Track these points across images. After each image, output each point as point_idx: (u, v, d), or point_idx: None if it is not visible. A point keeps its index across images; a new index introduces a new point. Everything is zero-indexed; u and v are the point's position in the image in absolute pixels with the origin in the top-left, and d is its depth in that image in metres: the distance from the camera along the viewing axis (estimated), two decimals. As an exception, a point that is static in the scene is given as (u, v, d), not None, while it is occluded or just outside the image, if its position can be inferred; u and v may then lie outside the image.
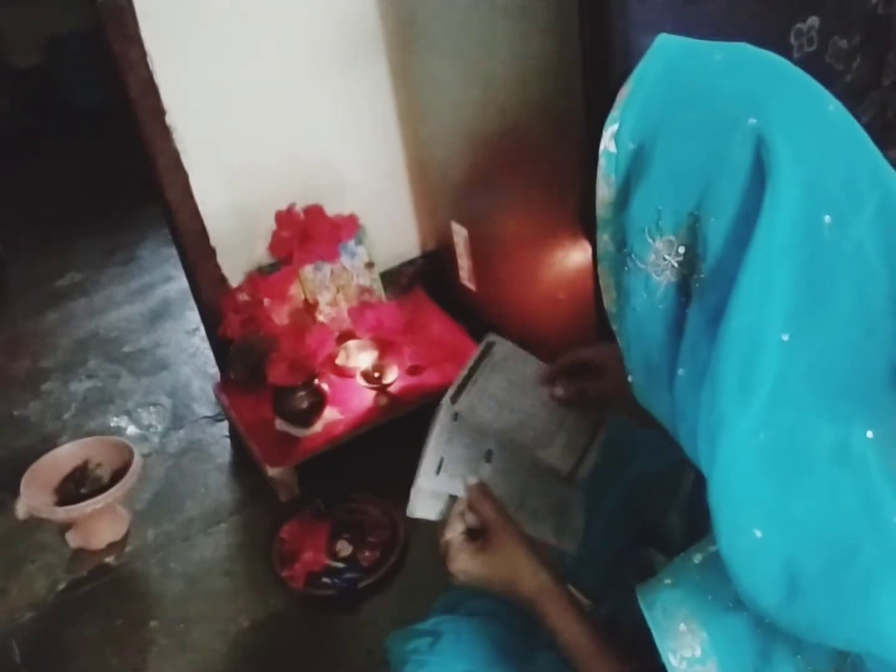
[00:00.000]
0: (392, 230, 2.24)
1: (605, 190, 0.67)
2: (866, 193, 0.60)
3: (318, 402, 1.87)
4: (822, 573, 0.59)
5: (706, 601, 0.68)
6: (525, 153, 1.66)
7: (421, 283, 2.27)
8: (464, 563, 0.91)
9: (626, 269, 0.66)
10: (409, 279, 2.27)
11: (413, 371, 1.99)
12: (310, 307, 2.08)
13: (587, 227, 0.72)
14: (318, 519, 1.78)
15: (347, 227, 2.07)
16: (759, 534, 0.60)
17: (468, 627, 1.07)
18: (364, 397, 1.94)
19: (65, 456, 1.89)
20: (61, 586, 1.77)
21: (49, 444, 2.06)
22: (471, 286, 2.11)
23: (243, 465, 2.00)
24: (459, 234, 2.05)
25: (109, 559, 1.82)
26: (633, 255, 0.65)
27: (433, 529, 1.81)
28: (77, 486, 1.83)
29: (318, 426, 1.88)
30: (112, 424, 2.24)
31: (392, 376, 1.94)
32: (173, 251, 2.17)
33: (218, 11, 1.82)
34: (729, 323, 0.59)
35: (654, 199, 0.63)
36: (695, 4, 1.36)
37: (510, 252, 1.87)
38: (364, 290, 2.16)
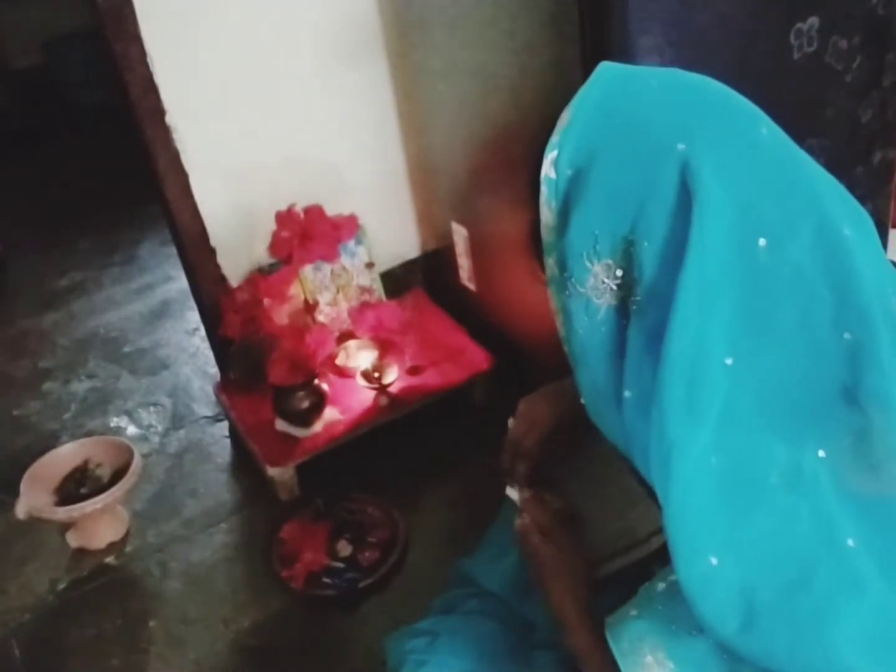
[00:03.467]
0: (392, 230, 2.24)
1: (547, 215, 0.70)
2: (802, 216, 0.61)
3: (318, 402, 1.87)
4: (777, 600, 0.58)
5: (671, 631, 0.68)
6: (525, 153, 1.66)
7: (421, 283, 2.27)
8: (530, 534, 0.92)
9: (567, 293, 0.67)
10: (409, 279, 2.27)
11: (413, 371, 1.99)
12: (310, 307, 2.08)
13: (537, 252, 0.76)
14: (318, 519, 1.78)
15: (347, 227, 2.07)
16: (714, 561, 0.59)
17: (466, 627, 1.08)
18: (364, 397, 1.94)
19: (65, 456, 1.89)
20: (61, 586, 1.77)
21: (49, 444, 2.06)
22: (471, 286, 2.11)
23: (243, 465, 2.00)
24: (459, 234, 2.05)
25: (109, 559, 1.82)
26: (573, 280, 0.66)
27: (433, 529, 1.82)
28: (77, 486, 1.83)
29: (318, 426, 1.88)
30: (112, 424, 2.23)
31: (392, 376, 1.94)
32: (173, 251, 2.17)
33: (218, 11, 1.82)
34: (670, 347, 0.59)
35: (590, 224, 0.64)
36: (695, 4, 1.36)
37: (510, 252, 1.87)
38: (364, 290, 2.16)
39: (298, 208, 2.02)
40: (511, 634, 1.09)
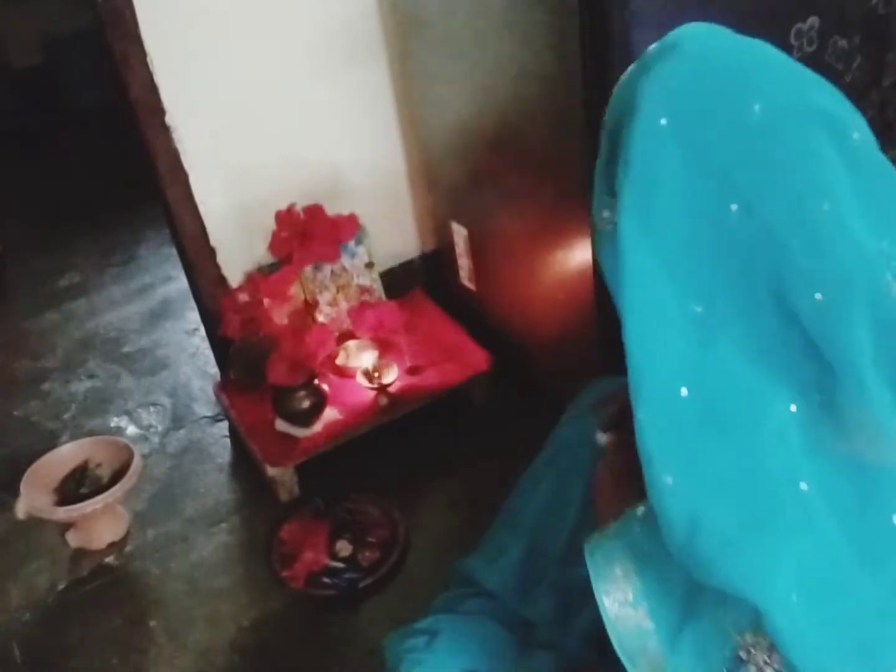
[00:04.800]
0: (392, 230, 2.24)
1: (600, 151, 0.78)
2: (778, 186, 0.66)
3: (318, 402, 1.87)
4: (721, 527, 0.63)
5: (642, 551, 0.72)
6: (525, 153, 1.66)
7: (421, 283, 2.27)
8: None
9: (595, 221, 0.75)
10: (409, 279, 2.27)
11: (413, 371, 1.99)
12: (310, 307, 2.08)
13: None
14: (318, 519, 1.78)
15: (347, 227, 2.07)
16: (669, 480, 0.65)
17: (465, 626, 1.08)
18: (364, 397, 1.94)
19: (65, 456, 1.89)
20: (61, 586, 1.77)
21: (49, 444, 2.06)
22: (471, 286, 2.11)
23: (243, 465, 2.00)
24: (459, 234, 2.05)
25: (109, 559, 1.82)
26: (596, 209, 0.75)
27: (433, 529, 1.82)
28: (77, 486, 1.83)
29: (318, 426, 1.88)
30: (112, 424, 2.23)
31: (392, 376, 1.94)
32: (173, 251, 2.17)
33: (218, 12, 1.82)
34: (629, 288, 0.67)
35: (602, 166, 0.74)
36: (695, 3, 1.36)
37: (510, 252, 1.87)
38: (364, 290, 2.16)
39: (298, 208, 2.02)
40: (510, 634, 1.09)
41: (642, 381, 0.67)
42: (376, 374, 1.95)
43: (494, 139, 1.75)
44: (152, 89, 1.79)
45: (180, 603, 1.69)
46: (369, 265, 2.16)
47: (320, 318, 2.09)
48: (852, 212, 0.66)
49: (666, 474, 0.65)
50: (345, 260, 2.12)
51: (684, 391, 0.66)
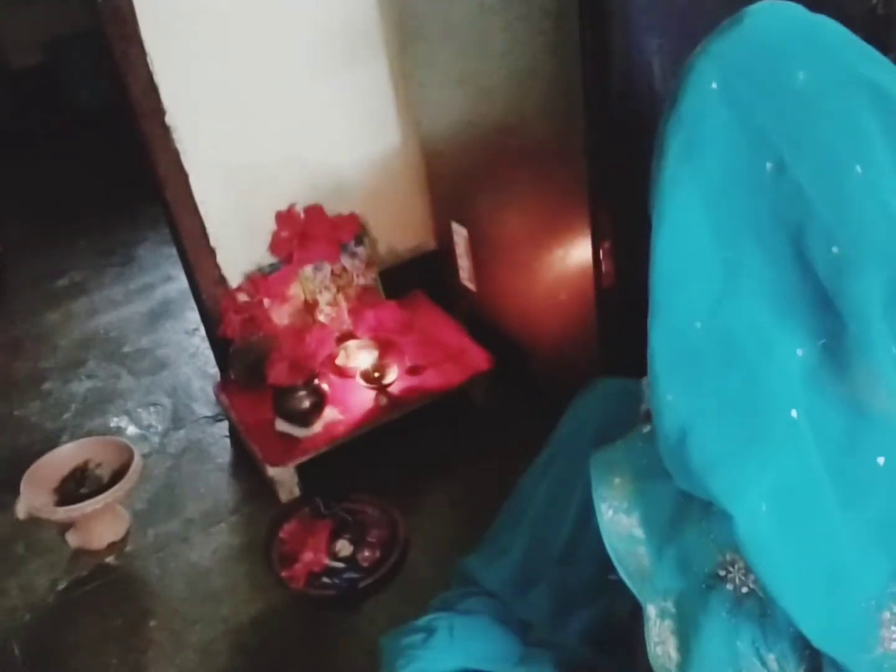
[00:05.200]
0: (392, 230, 2.24)
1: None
2: (812, 147, 0.71)
3: (318, 402, 1.87)
4: (708, 439, 0.68)
5: (642, 465, 0.78)
6: (525, 153, 1.66)
7: (421, 283, 2.27)
8: None
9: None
10: (409, 279, 2.27)
11: (413, 371, 1.99)
12: (310, 307, 2.08)
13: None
14: (318, 519, 1.78)
15: (347, 227, 2.08)
16: (670, 398, 0.72)
17: (462, 624, 1.08)
18: (364, 397, 1.94)
19: (65, 456, 1.89)
20: (61, 586, 1.77)
21: (49, 444, 2.06)
22: (471, 286, 2.11)
23: (243, 465, 2.00)
24: (459, 234, 2.05)
25: (109, 559, 1.82)
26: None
27: (433, 529, 1.82)
28: (77, 486, 1.84)
29: (318, 426, 1.88)
30: (112, 424, 2.23)
31: (392, 376, 1.94)
32: (173, 251, 2.17)
33: (218, 12, 1.82)
34: (662, 232, 0.73)
35: (663, 124, 0.79)
36: (695, 4, 1.35)
37: (510, 252, 1.87)
38: (364, 290, 2.16)
39: (298, 208, 2.02)
40: (507, 633, 1.09)
41: (661, 310, 0.72)
42: (376, 374, 1.95)
43: (494, 139, 1.75)
44: (152, 89, 1.79)
45: (180, 603, 1.69)
46: (369, 265, 2.16)
47: (320, 318, 2.09)
48: (885, 178, 0.70)
49: (668, 393, 0.71)
50: (345, 260, 2.12)
51: (698, 324, 0.71)
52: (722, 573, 0.72)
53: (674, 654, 0.75)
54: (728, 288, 0.72)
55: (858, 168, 0.70)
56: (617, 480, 0.81)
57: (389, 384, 1.93)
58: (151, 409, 2.27)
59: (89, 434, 2.14)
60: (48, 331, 2.73)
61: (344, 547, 1.71)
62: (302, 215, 2.02)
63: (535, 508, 1.22)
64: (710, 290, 0.73)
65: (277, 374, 1.83)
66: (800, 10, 0.79)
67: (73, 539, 1.84)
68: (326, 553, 1.70)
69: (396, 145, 2.15)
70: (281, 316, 2.02)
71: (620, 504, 0.80)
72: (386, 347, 2.05)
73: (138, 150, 1.88)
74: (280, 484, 1.85)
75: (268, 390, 1.88)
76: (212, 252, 2.00)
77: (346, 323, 2.13)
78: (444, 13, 1.72)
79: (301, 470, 1.86)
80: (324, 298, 2.11)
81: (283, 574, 1.68)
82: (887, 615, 0.67)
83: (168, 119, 1.83)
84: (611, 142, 1.45)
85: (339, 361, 2.03)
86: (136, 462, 1.81)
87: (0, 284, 3.06)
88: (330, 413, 1.90)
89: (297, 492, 1.87)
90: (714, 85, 0.75)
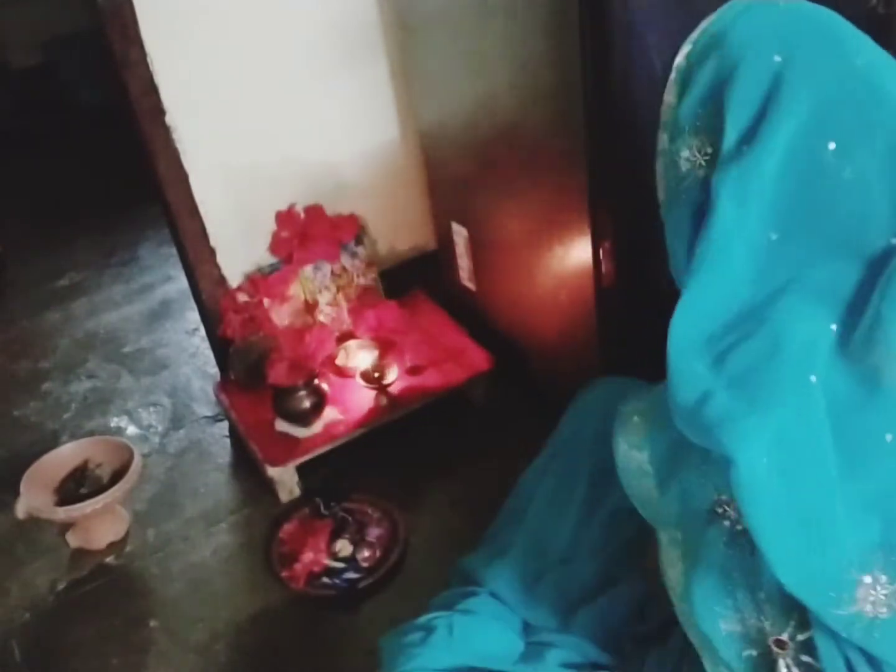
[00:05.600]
0: (392, 230, 2.24)
1: (670, 96, 0.83)
2: (878, 130, 0.71)
3: (318, 402, 1.87)
4: (725, 401, 0.70)
5: (659, 412, 0.80)
6: (525, 152, 1.66)
7: (421, 283, 2.27)
8: None
9: (669, 161, 0.81)
10: (409, 279, 2.27)
11: (413, 371, 1.99)
12: (310, 307, 2.08)
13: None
14: (318, 519, 1.78)
15: (347, 227, 2.08)
16: (699, 368, 0.73)
17: (462, 623, 1.08)
18: (364, 397, 1.94)
19: (65, 456, 1.89)
20: (61, 586, 1.77)
21: (49, 444, 2.06)
22: (471, 286, 2.11)
23: (243, 465, 2.00)
24: (459, 234, 2.05)
25: (109, 559, 1.82)
26: (675, 150, 0.79)
27: (433, 529, 1.82)
28: (77, 486, 1.83)
29: (318, 426, 1.88)
30: (112, 424, 2.23)
31: (392, 376, 1.94)
32: (173, 251, 2.17)
33: (218, 11, 1.82)
34: (713, 221, 0.73)
35: (695, 107, 0.77)
36: (694, 4, 1.35)
37: (510, 252, 1.87)
38: (364, 290, 2.16)
39: (298, 208, 2.02)
40: (507, 631, 1.09)
41: (702, 284, 0.74)
42: (376, 374, 1.95)
43: (495, 139, 1.75)
44: (152, 89, 1.79)
45: (180, 603, 1.69)
46: (369, 265, 2.16)
47: (320, 318, 2.09)
48: None
49: (697, 363, 0.72)
50: (345, 260, 2.12)
51: (738, 301, 0.73)
52: (719, 510, 0.75)
53: (681, 579, 0.79)
54: (765, 274, 0.73)
55: None
56: (636, 419, 0.86)
57: (389, 384, 1.93)
58: (151, 409, 2.27)
59: (89, 434, 2.14)
60: (48, 331, 2.73)
61: (344, 547, 1.71)
62: (302, 215, 2.02)
63: (535, 508, 1.22)
64: (752, 269, 0.73)
65: (277, 374, 1.83)
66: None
67: (73, 539, 1.84)
68: (326, 553, 1.70)
69: (397, 145, 2.15)
70: (281, 316, 2.02)
71: (634, 440, 0.85)
72: (386, 347, 2.05)
73: (138, 150, 1.88)
74: (280, 484, 1.85)
75: (268, 390, 1.88)
76: (212, 252, 2.00)
77: (346, 323, 2.13)
78: (444, 13, 1.72)
79: (301, 470, 1.86)
80: (324, 298, 2.11)
81: (283, 574, 1.68)
82: (868, 578, 0.68)
83: (168, 119, 1.83)
84: (611, 142, 1.45)
85: (339, 361, 2.03)
86: (136, 462, 1.81)
87: (0, 284, 3.06)
88: (330, 413, 1.90)
89: (297, 492, 1.87)
90: (777, 58, 0.73)
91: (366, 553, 1.69)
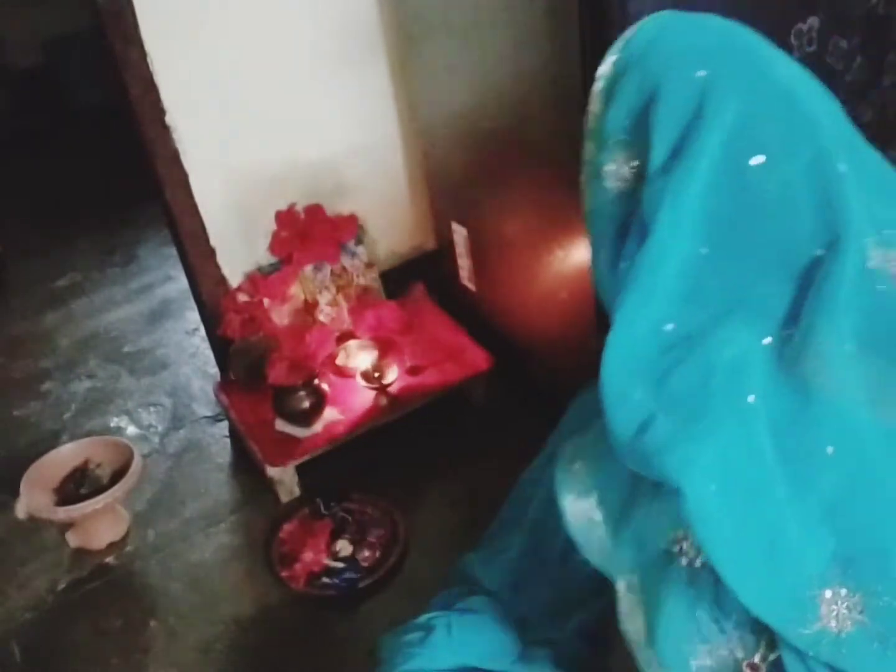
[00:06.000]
0: (392, 230, 2.24)
1: (595, 104, 0.81)
2: (801, 144, 0.71)
3: (318, 402, 1.87)
4: (665, 429, 0.70)
5: (603, 449, 0.77)
6: (525, 152, 1.66)
7: (421, 283, 2.28)
8: None
9: (594, 173, 0.80)
10: (409, 279, 2.27)
11: (413, 371, 1.99)
12: (310, 307, 2.08)
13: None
14: (318, 519, 1.78)
15: (347, 227, 2.07)
16: (637, 396, 0.72)
17: (460, 622, 1.08)
18: (364, 397, 1.94)
19: (65, 456, 1.89)
20: (61, 586, 1.77)
21: (49, 444, 2.06)
22: (471, 286, 2.11)
23: (243, 465, 2.00)
24: (459, 234, 2.05)
25: (109, 559, 1.82)
26: (600, 162, 0.79)
27: (433, 529, 1.82)
28: (77, 486, 1.83)
29: (318, 426, 1.88)
30: (112, 424, 2.23)
31: (392, 376, 1.94)
32: (173, 251, 2.17)
33: (218, 11, 1.82)
34: (649, 238, 0.72)
35: (621, 118, 0.77)
36: (694, 4, 1.35)
37: (510, 252, 1.87)
38: (364, 290, 2.16)
39: (298, 208, 2.02)
40: (505, 630, 1.09)
41: (632, 310, 0.73)
42: (376, 374, 1.95)
43: (494, 139, 1.75)
44: (152, 89, 1.79)
45: (180, 603, 1.69)
46: (369, 265, 2.16)
47: (320, 318, 2.09)
48: (862, 177, 0.72)
49: (634, 391, 0.72)
50: (345, 260, 2.12)
51: (670, 326, 0.73)
52: (675, 549, 0.74)
53: (642, 627, 0.77)
54: (697, 291, 0.73)
55: (842, 167, 0.71)
56: (577, 465, 0.83)
57: (389, 384, 1.93)
58: (151, 409, 2.27)
59: (89, 434, 2.14)
60: (48, 331, 2.73)
61: (344, 547, 1.71)
62: (302, 215, 2.02)
63: (534, 508, 1.22)
64: (685, 287, 0.72)
65: (277, 374, 1.83)
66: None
67: (73, 539, 1.84)
68: (326, 553, 1.70)
69: (397, 145, 2.15)
70: (281, 316, 2.02)
71: (579, 487, 0.82)
72: (386, 347, 2.05)
73: (138, 150, 1.88)
74: (280, 484, 1.85)
75: (268, 390, 1.88)
76: (212, 252, 2.00)
77: (346, 323, 2.13)
78: (445, 13, 1.72)
79: (301, 470, 1.86)
80: (324, 298, 2.11)
81: (283, 574, 1.68)
82: (829, 593, 0.68)
83: (168, 119, 1.83)
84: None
85: (339, 361, 2.03)
86: (136, 462, 1.81)
87: (0, 284, 3.06)
88: (330, 413, 1.90)
89: (297, 492, 1.87)
90: (701, 73, 0.73)
91: (366, 553, 1.70)
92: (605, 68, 0.81)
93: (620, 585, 0.80)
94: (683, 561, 0.73)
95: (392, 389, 1.93)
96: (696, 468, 0.67)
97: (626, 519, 0.77)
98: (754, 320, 0.71)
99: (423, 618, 1.12)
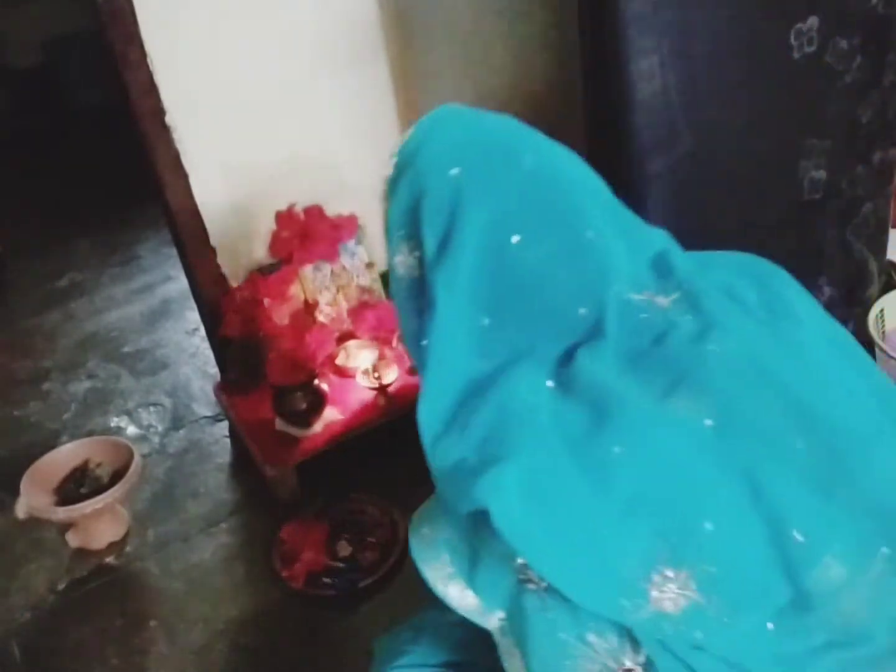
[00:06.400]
0: (392, 230, 2.23)
1: (384, 203, 0.91)
2: (552, 221, 0.82)
3: (318, 402, 1.87)
4: (473, 461, 0.78)
5: (441, 505, 0.85)
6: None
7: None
8: None
9: (389, 264, 0.88)
10: (409, 279, 2.27)
11: (413, 371, 1.99)
12: (310, 307, 2.08)
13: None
14: (318, 519, 1.78)
15: (347, 227, 2.07)
16: (443, 442, 0.83)
17: (452, 621, 1.09)
18: (364, 397, 1.94)
19: (65, 456, 1.89)
20: (61, 586, 1.77)
21: (49, 444, 2.06)
22: (471, 286, 2.11)
23: (243, 465, 2.00)
24: (459, 234, 2.05)
25: (109, 559, 1.82)
26: (391, 255, 0.87)
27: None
28: (77, 486, 1.83)
29: (318, 426, 1.88)
30: (112, 424, 2.24)
31: (392, 376, 1.94)
32: (173, 251, 2.18)
33: (218, 12, 1.82)
34: (432, 316, 0.82)
35: (399, 213, 0.86)
36: (693, 5, 1.36)
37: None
38: (364, 290, 2.16)
39: (298, 208, 2.02)
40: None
41: (435, 373, 0.83)
42: (376, 374, 1.95)
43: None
44: (152, 89, 1.79)
45: (180, 603, 1.69)
46: (369, 265, 2.16)
47: (320, 318, 2.09)
48: (613, 239, 0.83)
49: (446, 438, 0.82)
50: (345, 260, 2.12)
51: (467, 382, 0.82)
52: (522, 577, 0.77)
53: (520, 666, 0.80)
54: (484, 355, 0.82)
55: (589, 233, 0.82)
56: (425, 530, 0.87)
57: (389, 384, 1.93)
58: (151, 409, 2.27)
59: (89, 434, 2.14)
60: (48, 331, 2.73)
61: (344, 547, 1.71)
62: (302, 215, 2.02)
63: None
64: (475, 352, 0.82)
65: (277, 374, 1.83)
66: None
67: (73, 539, 1.84)
68: (326, 553, 1.70)
69: (397, 145, 2.15)
70: (281, 316, 2.02)
71: (431, 552, 0.86)
72: (386, 347, 2.04)
73: (138, 150, 1.88)
74: (280, 484, 1.85)
75: (268, 390, 1.88)
76: (212, 252, 2.00)
77: (346, 323, 2.13)
78: (445, 14, 1.72)
79: (301, 470, 1.86)
80: (324, 298, 2.11)
81: (283, 574, 1.68)
82: (657, 577, 0.72)
83: (168, 119, 1.83)
84: (611, 143, 1.45)
85: (339, 361, 2.03)
86: (136, 462, 1.81)
87: (0, 284, 3.06)
88: (330, 413, 1.90)
89: (297, 492, 1.87)
90: (454, 171, 0.82)
91: (366, 553, 1.70)
92: (388, 170, 0.91)
93: (495, 632, 0.84)
94: (532, 587, 0.77)
95: (392, 389, 1.93)
96: (499, 489, 0.73)
97: (476, 563, 0.81)
98: (537, 368, 0.81)
99: (415, 619, 1.13)
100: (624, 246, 0.85)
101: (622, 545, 0.73)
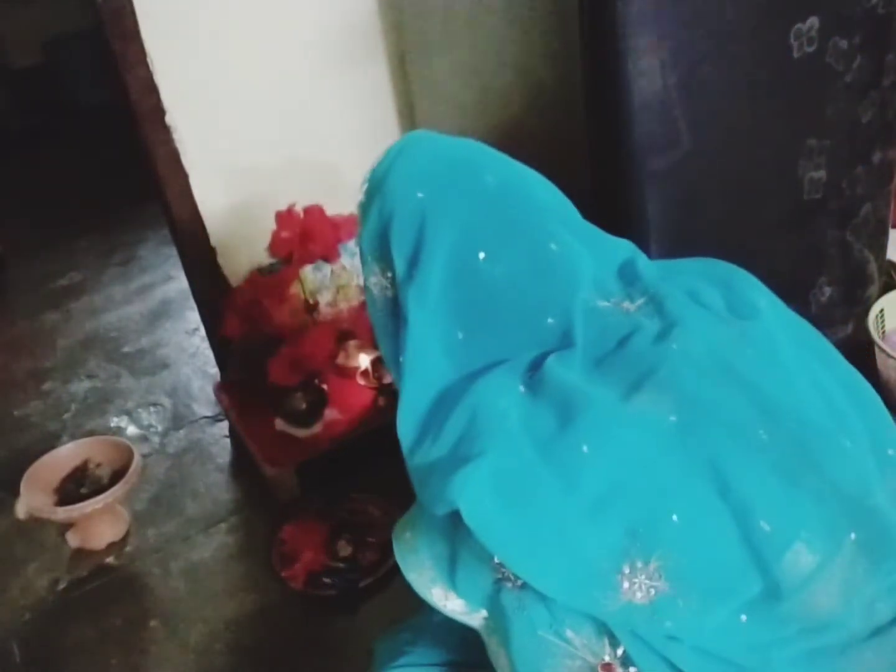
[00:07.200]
0: (392, 230, 2.23)
1: (358, 227, 0.95)
2: (516, 236, 0.86)
3: (318, 402, 1.87)
4: (446, 464, 0.80)
5: (422, 515, 0.86)
6: (525, 153, 1.66)
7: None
8: None
9: (365, 286, 0.94)
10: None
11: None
12: (310, 307, 2.08)
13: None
14: (318, 519, 1.78)
15: (347, 227, 2.07)
16: (420, 449, 0.85)
17: (449, 622, 1.09)
18: (364, 397, 1.94)
19: (65, 456, 1.89)
20: (61, 586, 1.77)
21: (49, 444, 2.06)
22: (471, 286, 2.11)
23: (243, 465, 2.00)
24: (459, 234, 2.05)
25: (109, 559, 1.82)
26: (365, 276, 0.93)
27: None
28: (77, 486, 1.83)
29: (318, 426, 1.88)
30: (112, 424, 2.24)
31: (392, 376, 1.94)
32: (173, 251, 2.18)
33: (218, 11, 1.82)
34: (406, 335, 0.85)
35: (371, 238, 0.90)
36: (693, 5, 1.36)
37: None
38: (364, 289, 2.16)
39: (298, 208, 2.01)
40: None
41: (412, 379, 0.86)
42: (376, 374, 1.95)
43: (494, 139, 1.75)
44: (152, 89, 1.79)
45: (180, 603, 1.69)
46: (369, 265, 2.16)
47: (320, 318, 2.09)
48: (576, 248, 0.87)
49: (423, 442, 0.85)
50: (345, 260, 2.11)
51: (441, 390, 0.86)
52: (499, 576, 0.79)
53: (506, 664, 0.82)
54: (460, 367, 0.86)
55: (553, 246, 0.86)
56: (407, 535, 0.89)
57: (389, 384, 1.93)
58: (151, 409, 2.27)
59: (89, 434, 2.14)
60: (48, 331, 2.73)
61: (344, 547, 1.71)
62: (302, 215, 2.02)
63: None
64: (450, 363, 0.86)
65: (277, 374, 1.83)
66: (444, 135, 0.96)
67: (73, 539, 1.84)
68: (326, 553, 1.70)
69: (396, 145, 2.15)
70: (281, 316, 2.02)
71: (413, 557, 0.88)
72: (386, 347, 2.04)
73: (138, 150, 1.88)
74: (280, 484, 1.85)
75: (268, 390, 1.88)
76: (212, 252, 2.00)
77: (346, 323, 2.12)
78: (445, 14, 1.72)
79: (301, 470, 1.86)
80: (324, 298, 2.11)
81: (283, 574, 1.68)
82: (626, 569, 0.74)
83: (168, 119, 1.83)
84: (611, 144, 1.45)
85: (339, 361, 2.03)
86: (136, 462, 1.81)
87: (0, 284, 3.06)
88: (330, 413, 1.90)
89: (297, 492, 1.87)
90: (420, 195, 0.86)
91: (366, 553, 1.70)
92: (360, 196, 0.95)
93: (482, 632, 0.86)
94: (509, 585, 0.79)
95: (392, 389, 1.93)
96: (469, 488, 0.75)
97: (455, 564, 0.83)
98: (509, 375, 0.84)
99: (414, 620, 1.14)
100: (589, 256, 0.88)
101: (592, 539, 0.75)
